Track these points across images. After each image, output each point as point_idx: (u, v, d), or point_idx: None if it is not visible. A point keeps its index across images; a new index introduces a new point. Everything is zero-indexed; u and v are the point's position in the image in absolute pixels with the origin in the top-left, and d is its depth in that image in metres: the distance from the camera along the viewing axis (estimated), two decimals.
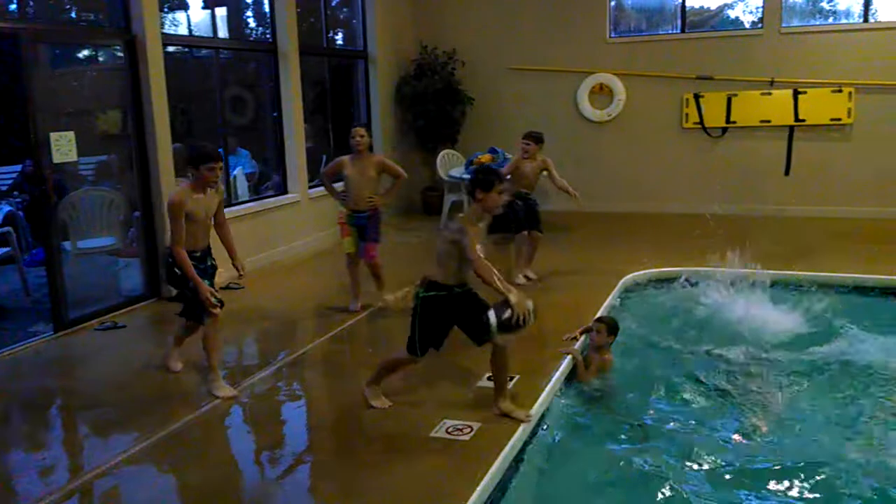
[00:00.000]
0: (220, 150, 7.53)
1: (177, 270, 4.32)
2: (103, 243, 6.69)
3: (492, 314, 3.63)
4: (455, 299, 3.83)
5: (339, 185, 6.07)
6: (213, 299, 4.27)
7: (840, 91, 8.95)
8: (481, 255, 3.62)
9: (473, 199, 3.76)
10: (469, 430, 3.77)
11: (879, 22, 9.00)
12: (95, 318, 5.95)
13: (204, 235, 4.45)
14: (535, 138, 6.50)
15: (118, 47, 6.27)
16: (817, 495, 3.42)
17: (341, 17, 10.33)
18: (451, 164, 9.88)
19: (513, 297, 3.55)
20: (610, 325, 4.80)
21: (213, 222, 4.52)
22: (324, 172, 6.37)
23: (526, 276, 6.60)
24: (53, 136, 5.57)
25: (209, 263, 4.50)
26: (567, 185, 6.47)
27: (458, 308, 3.84)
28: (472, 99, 10.26)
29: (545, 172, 6.62)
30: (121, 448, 3.79)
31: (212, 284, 4.39)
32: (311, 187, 8.43)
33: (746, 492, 3.47)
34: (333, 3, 10.14)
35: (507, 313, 3.58)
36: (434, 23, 10.52)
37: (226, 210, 7.09)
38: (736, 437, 4.03)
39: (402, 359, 4.03)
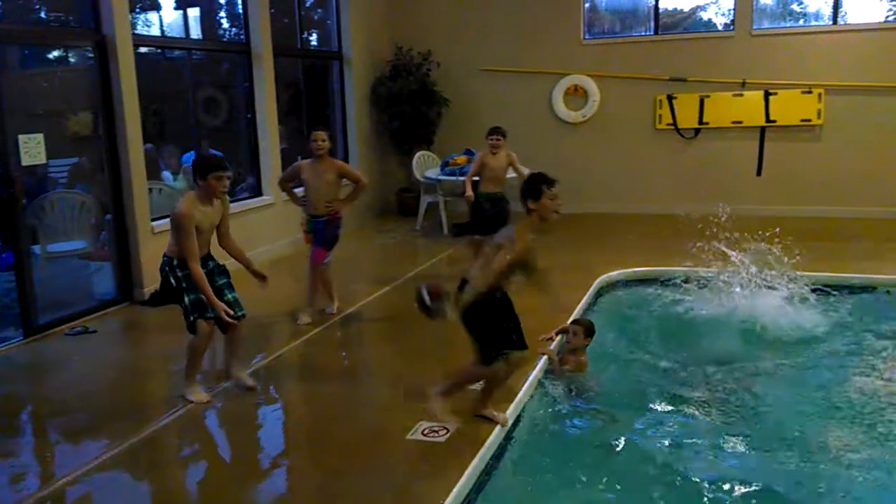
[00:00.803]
0: (192, 152, 7.51)
1: (172, 281, 4.20)
2: (74, 247, 6.59)
3: (424, 289, 3.60)
4: (496, 303, 3.72)
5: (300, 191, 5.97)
6: (229, 313, 4.15)
7: (810, 92, 9.08)
8: (500, 270, 3.58)
9: (527, 211, 3.66)
10: (445, 431, 3.77)
11: (848, 24, 9.16)
12: (66, 322, 5.85)
13: (204, 246, 4.29)
14: (503, 132, 6.64)
15: (88, 48, 6.19)
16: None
17: (315, 17, 10.29)
18: (426, 166, 9.87)
19: (450, 313, 3.53)
20: (587, 328, 4.82)
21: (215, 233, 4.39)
22: (281, 177, 6.14)
23: None
24: (22, 138, 5.48)
25: (211, 266, 4.33)
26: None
27: (499, 311, 3.74)
28: (447, 100, 10.26)
29: (511, 167, 6.73)
30: (92, 454, 3.74)
31: (227, 285, 4.30)
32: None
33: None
34: (308, 4, 10.09)
35: (427, 298, 3.55)
36: (409, 24, 10.51)
37: None
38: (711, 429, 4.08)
39: (480, 372, 3.81)
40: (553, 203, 3.61)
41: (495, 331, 3.70)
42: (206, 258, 4.32)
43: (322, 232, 5.69)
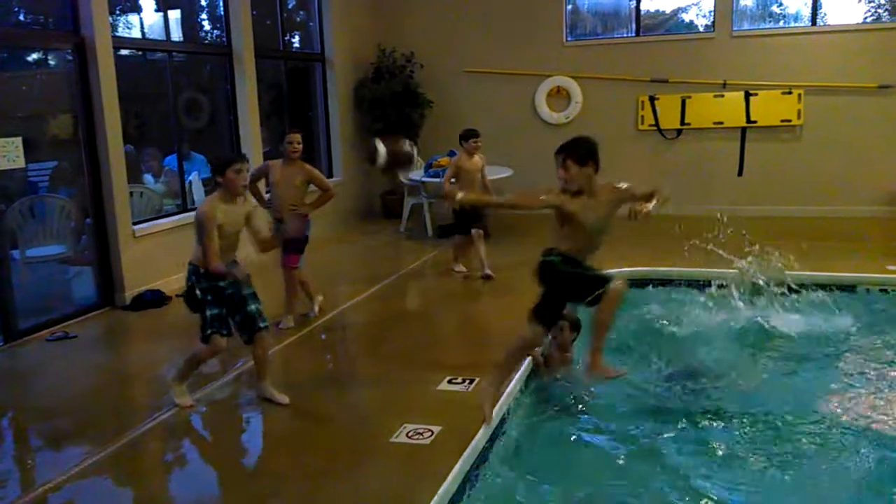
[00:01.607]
0: (174, 155, 7.46)
1: (198, 293, 4.11)
2: (54, 251, 6.54)
3: (380, 144, 3.69)
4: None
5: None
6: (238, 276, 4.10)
7: (790, 93, 9.16)
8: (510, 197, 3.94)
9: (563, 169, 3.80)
10: (430, 433, 3.77)
11: (827, 25, 9.26)
12: (46, 328, 5.79)
13: (230, 250, 4.18)
14: (479, 134, 6.91)
15: (68, 50, 6.13)
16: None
17: (298, 19, 10.25)
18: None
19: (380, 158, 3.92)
20: (573, 322, 4.80)
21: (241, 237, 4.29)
22: (249, 175, 6.04)
23: (487, 275, 6.81)
24: (0, 141, 5.43)
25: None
26: (490, 186, 7.12)
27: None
28: (430, 102, 10.26)
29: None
30: (74, 461, 3.70)
31: (253, 296, 4.19)
32: (268, 191, 8.32)
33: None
34: (290, 6, 10.06)
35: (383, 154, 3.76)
36: (392, 26, 10.50)
37: (183, 215, 7.13)
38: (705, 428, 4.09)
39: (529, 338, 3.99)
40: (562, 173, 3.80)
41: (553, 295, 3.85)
42: (230, 267, 4.18)
43: (291, 238, 5.57)
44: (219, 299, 4.13)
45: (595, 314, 3.87)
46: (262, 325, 4.23)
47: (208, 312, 4.12)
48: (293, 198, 5.55)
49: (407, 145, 3.96)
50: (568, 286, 3.88)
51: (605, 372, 3.94)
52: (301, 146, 5.54)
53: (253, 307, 4.20)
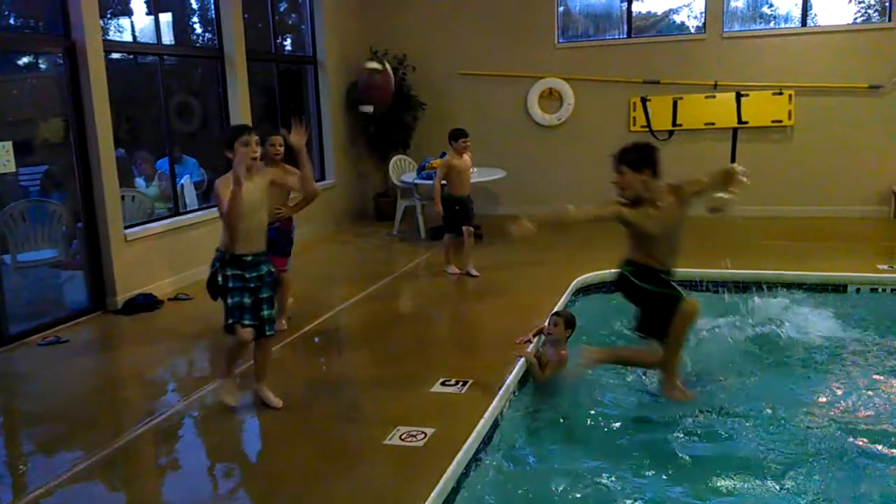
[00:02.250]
0: (166, 158, 7.45)
1: (219, 279, 4.01)
2: (45, 256, 6.51)
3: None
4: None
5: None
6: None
7: (780, 94, 9.20)
8: (574, 210, 3.81)
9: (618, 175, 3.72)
10: (423, 435, 3.76)
11: (818, 26, 9.30)
12: (37, 332, 5.77)
13: (257, 233, 4.05)
14: (468, 133, 7.02)
15: (58, 54, 6.11)
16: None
17: (289, 22, 10.24)
18: (403, 170, 9.87)
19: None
20: (568, 319, 4.79)
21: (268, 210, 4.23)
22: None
23: (469, 273, 7.03)
24: None
25: (265, 271, 4.11)
26: None
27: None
28: (423, 104, 10.27)
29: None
30: (66, 465, 3.69)
31: (269, 300, 4.07)
32: None
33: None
34: (281, 9, 10.05)
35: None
36: (384, 28, 10.51)
37: (175, 219, 7.11)
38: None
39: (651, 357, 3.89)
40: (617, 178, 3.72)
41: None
42: (260, 261, 4.10)
43: (277, 240, 5.51)
44: (241, 288, 4.00)
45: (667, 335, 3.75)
46: (269, 332, 4.18)
47: (229, 301, 4.01)
48: (276, 201, 5.51)
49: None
50: (646, 303, 3.76)
51: (683, 394, 3.80)
52: (283, 148, 5.49)
53: (266, 312, 4.14)
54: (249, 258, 4.04)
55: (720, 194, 3.66)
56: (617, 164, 3.68)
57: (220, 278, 4.01)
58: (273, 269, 4.23)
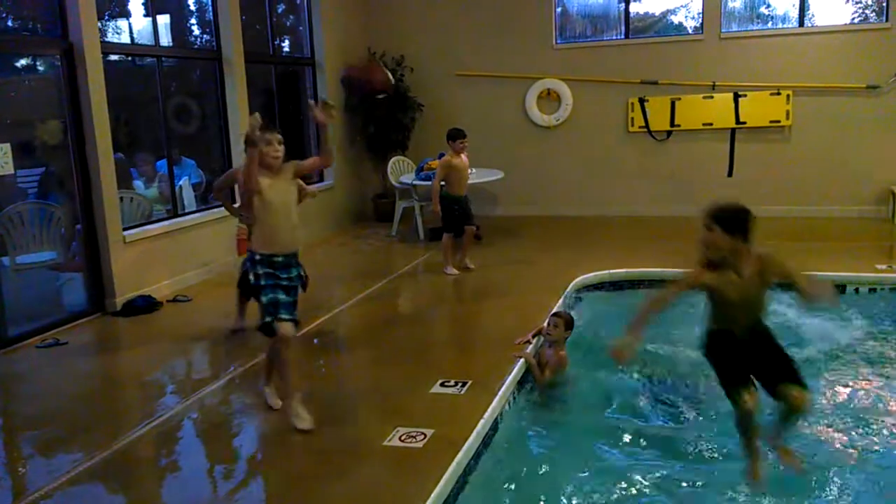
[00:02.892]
0: (164, 160, 7.44)
1: (251, 278, 3.95)
2: (44, 258, 6.50)
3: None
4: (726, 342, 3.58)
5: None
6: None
7: (778, 94, 9.21)
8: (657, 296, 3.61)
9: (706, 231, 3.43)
10: (422, 437, 3.76)
11: (815, 26, 9.31)
12: (36, 335, 5.76)
13: (288, 232, 3.95)
14: (466, 134, 7.08)
15: (56, 56, 6.11)
16: None
17: (287, 24, 10.24)
18: (401, 171, 9.87)
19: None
20: (567, 320, 4.79)
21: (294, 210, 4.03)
22: (217, 184, 5.65)
23: (466, 266, 7.21)
24: None
25: (295, 274, 4.00)
26: None
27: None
28: (421, 105, 10.27)
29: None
30: (65, 468, 3.69)
31: (293, 303, 3.92)
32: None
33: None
34: (279, 11, 10.05)
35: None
36: (382, 29, 10.51)
37: (171, 221, 7.11)
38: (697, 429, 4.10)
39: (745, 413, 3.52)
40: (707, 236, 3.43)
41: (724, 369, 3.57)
42: (291, 262, 4.00)
43: None
44: (273, 285, 3.91)
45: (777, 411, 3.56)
46: (285, 315, 4.04)
47: (263, 299, 3.91)
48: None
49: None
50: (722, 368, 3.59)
51: (794, 463, 3.56)
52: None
53: (283, 297, 4.01)
54: (280, 259, 3.96)
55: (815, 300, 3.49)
56: (708, 220, 3.40)
57: (251, 277, 3.96)
58: (304, 273, 4.16)
